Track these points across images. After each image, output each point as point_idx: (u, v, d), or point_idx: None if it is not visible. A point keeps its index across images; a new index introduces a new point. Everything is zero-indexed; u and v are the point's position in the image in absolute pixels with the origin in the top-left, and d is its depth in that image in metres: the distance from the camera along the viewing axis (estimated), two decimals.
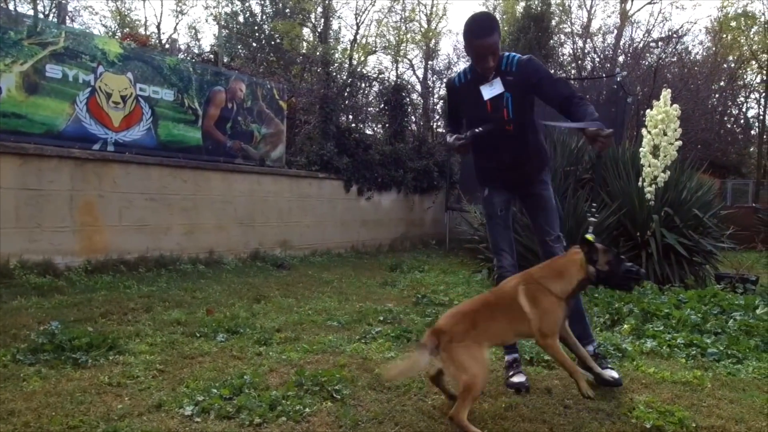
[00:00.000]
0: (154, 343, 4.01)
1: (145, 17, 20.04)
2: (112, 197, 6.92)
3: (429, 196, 12.72)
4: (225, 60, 13.82)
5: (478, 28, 3.24)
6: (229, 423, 2.63)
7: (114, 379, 3.23)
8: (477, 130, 3.26)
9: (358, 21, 20.62)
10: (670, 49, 20.42)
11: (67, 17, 17.18)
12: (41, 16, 13.65)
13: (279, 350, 3.87)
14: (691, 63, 20.15)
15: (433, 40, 23.95)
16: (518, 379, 3.26)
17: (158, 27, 20.70)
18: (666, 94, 7.01)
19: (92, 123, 7.09)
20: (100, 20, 19.39)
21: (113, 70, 7.35)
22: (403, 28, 22.61)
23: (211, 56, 12.19)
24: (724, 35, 22.18)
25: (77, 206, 6.62)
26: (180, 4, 19.80)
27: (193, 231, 7.71)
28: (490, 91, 3.31)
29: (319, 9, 19.41)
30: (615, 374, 3.26)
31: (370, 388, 3.12)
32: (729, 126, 22.54)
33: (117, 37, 13.67)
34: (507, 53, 3.37)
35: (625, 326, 4.62)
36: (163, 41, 17.85)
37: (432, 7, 22.25)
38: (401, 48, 22.69)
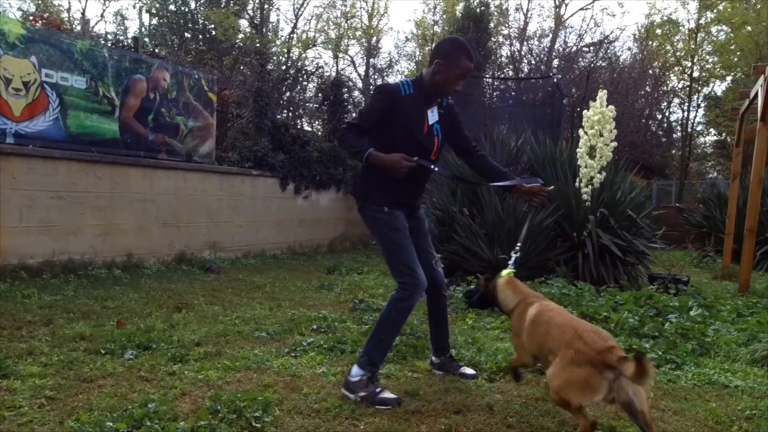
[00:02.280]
0: (48, 363, 3.60)
1: (69, 2, 18.92)
2: (11, 195, 6.34)
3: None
4: (151, 49, 13.19)
5: (472, 52, 3.26)
6: None
7: None
8: (431, 166, 3.32)
9: (297, 14, 20.26)
10: (600, 54, 21.22)
11: None
12: None
13: (196, 368, 3.53)
14: (620, 68, 20.94)
15: (375, 38, 23.93)
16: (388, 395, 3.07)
17: (83, 13, 19.66)
18: (602, 95, 7.04)
19: None
20: (18, 3, 18.14)
21: (14, 53, 6.74)
22: (344, 24, 22.45)
23: (130, 43, 11.50)
24: (651, 42, 23.06)
25: None
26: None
27: (109, 232, 7.19)
28: (432, 116, 3.31)
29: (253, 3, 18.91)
30: (470, 371, 3.60)
31: (296, 412, 2.85)
32: (653, 129, 23.52)
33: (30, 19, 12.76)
34: None
35: None
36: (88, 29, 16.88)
37: (373, 4, 22.14)
38: (342, 43, 22.47)
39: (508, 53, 21.68)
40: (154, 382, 3.32)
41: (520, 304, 3.03)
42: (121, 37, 15.07)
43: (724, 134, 22.75)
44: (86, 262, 6.81)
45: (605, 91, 7.15)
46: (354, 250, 11.52)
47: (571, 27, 21.98)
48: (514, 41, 21.94)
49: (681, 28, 23.10)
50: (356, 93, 18.29)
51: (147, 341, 4.03)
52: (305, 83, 13.95)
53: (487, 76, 17.32)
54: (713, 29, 22.63)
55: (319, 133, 12.88)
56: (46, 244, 6.59)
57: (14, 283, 5.90)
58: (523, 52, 21.59)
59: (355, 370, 3.07)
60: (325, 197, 11.37)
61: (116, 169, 7.36)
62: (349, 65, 23.52)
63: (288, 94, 12.76)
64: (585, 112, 7.06)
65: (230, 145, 10.02)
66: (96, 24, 19.21)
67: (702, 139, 25.50)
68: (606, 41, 21.72)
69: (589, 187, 6.84)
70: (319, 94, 13.33)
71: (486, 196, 7.34)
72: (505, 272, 3.25)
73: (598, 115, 6.85)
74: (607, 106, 6.92)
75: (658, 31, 23.35)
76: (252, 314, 5.13)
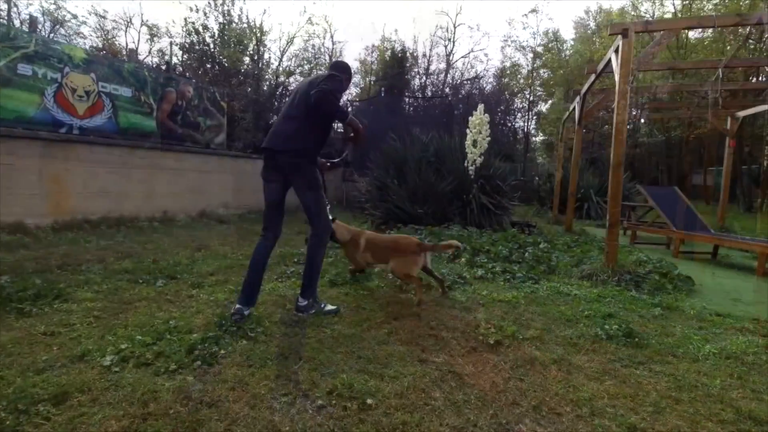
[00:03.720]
0: (99, 290, 3.04)
1: (126, 43, 16.88)
2: (78, 170, 5.48)
3: (332, 172, 11.88)
4: (180, 71, 11.96)
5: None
6: (146, 371, 1.86)
7: (50, 329, 2.31)
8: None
9: (282, 53, 18.94)
10: (475, 84, 21.15)
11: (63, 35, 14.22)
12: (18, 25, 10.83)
13: (209, 292, 3.06)
14: (486, 94, 21.00)
15: None
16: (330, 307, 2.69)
17: (135, 50, 17.56)
18: (481, 107, 6.78)
19: (59, 111, 5.59)
20: (89, 43, 16.05)
21: (78, 71, 5.82)
22: (314, 61, 21.20)
23: (163, 66, 10.33)
24: (504, 79, 23.13)
25: (46, 177, 5.16)
26: (153, 37, 16.83)
27: (150, 196, 6.40)
28: None
29: (253, 44, 17.47)
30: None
31: (282, 323, 2.46)
32: (506, 132, 23.75)
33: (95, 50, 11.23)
34: None
35: (462, 259, 4.27)
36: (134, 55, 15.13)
37: (332, 49, 20.90)
38: (312, 73, 21.22)
39: (418, 83, 21.17)
40: (177, 303, 2.83)
41: (353, 237, 3.20)
42: (160, 64, 13.64)
43: (547, 136, 23.23)
44: (133, 217, 6.04)
45: (483, 104, 6.86)
46: None
47: (456, 68, 21.69)
48: (422, 76, 21.46)
49: (521, 71, 23.27)
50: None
51: (173, 273, 3.50)
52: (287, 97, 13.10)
53: (407, 96, 16.99)
54: (541, 71, 22.82)
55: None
56: (104, 205, 5.77)
57: (79, 232, 5.12)
58: (426, 84, 21.18)
59: (301, 299, 2.64)
60: None
61: (154, 153, 6.52)
62: None
63: (277, 104, 11.83)
64: (470, 118, 6.77)
65: (237, 138, 9.19)
66: (145, 57, 17.21)
67: (533, 138, 25.92)
68: (477, 77, 21.66)
69: (473, 166, 6.61)
70: None
71: (408, 170, 7.03)
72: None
73: (479, 119, 6.58)
74: (483, 114, 6.67)
75: (508, 72, 23.41)
76: (251, 252, 4.62)
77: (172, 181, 6.76)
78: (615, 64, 3.79)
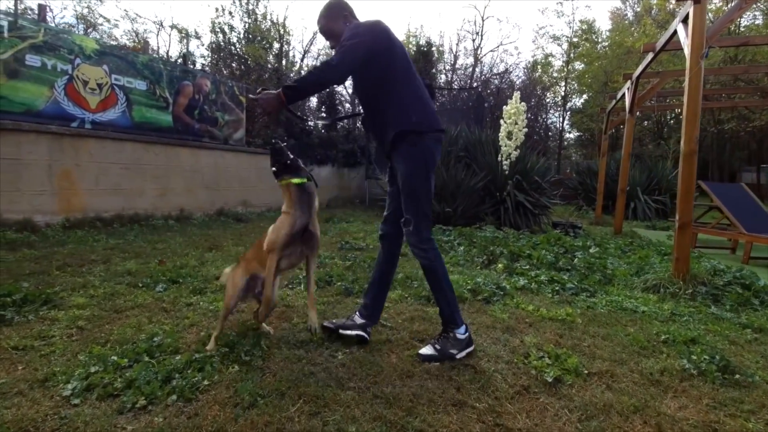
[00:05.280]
0: (95, 295, 2.74)
1: (158, 45, 17.08)
2: (88, 166, 5.29)
3: (354, 169, 11.52)
4: (199, 65, 11.91)
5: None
6: (109, 406, 1.48)
7: (23, 342, 2.00)
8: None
9: (305, 51, 18.73)
10: (504, 78, 20.28)
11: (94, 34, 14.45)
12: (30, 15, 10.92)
13: (210, 299, 2.70)
14: (517, 89, 20.11)
15: None
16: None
17: (138, 36, 17.71)
18: (517, 95, 6.22)
19: (70, 105, 5.38)
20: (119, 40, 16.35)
21: (90, 62, 5.61)
22: None
23: (181, 58, 10.19)
24: (536, 73, 22.12)
25: (56, 173, 4.98)
26: (183, 39, 16.97)
27: (165, 194, 6.18)
28: None
29: (276, 45, 17.32)
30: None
31: (284, 342, 2.04)
32: (537, 129, 22.76)
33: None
34: None
35: (499, 265, 3.76)
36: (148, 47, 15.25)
37: None
38: None
39: (444, 79, 20.48)
40: (172, 312, 2.47)
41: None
42: (176, 57, 13.65)
43: (582, 132, 22.13)
44: (148, 215, 5.82)
45: (519, 91, 6.29)
46: (344, 207, 10.59)
47: (483, 62, 20.94)
48: (448, 72, 20.79)
49: (553, 63, 22.31)
50: (346, 104, 17.22)
51: (177, 276, 3.16)
52: None
53: (434, 89, 16.52)
54: (576, 64, 21.71)
55: (320, 127, 11.79)
56: (117, 202, 5.57)
57: (90, 231, 4.92)
58: (453, 79, 20.49)
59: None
60: (324, 170, 10.37)
61: (170, 149, 6.30)
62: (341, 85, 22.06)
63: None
64: (505, 107, 6.20)
65: (257, 133, 8.93)
66: (176, 59, 17.36)
67: (567, 135, 24.81)
68: (507, 72, 20.82)
69: (508, 160, 6.06)
70: (319, 101, 12.25)
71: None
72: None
73: (514, 108, 6.03)
74: (519, 103, 6.10)
75: (539, 66, 22.43)
76: None
77: (188, 178, 6.52)
78: (684, 37, 3.20)
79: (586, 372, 1.81)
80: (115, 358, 1.80)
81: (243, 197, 7.62)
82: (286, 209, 1.90)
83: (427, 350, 1.91)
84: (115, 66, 5.90)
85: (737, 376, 1.83)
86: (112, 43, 11.74)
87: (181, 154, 6.44)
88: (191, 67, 8.00)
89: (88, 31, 15.08)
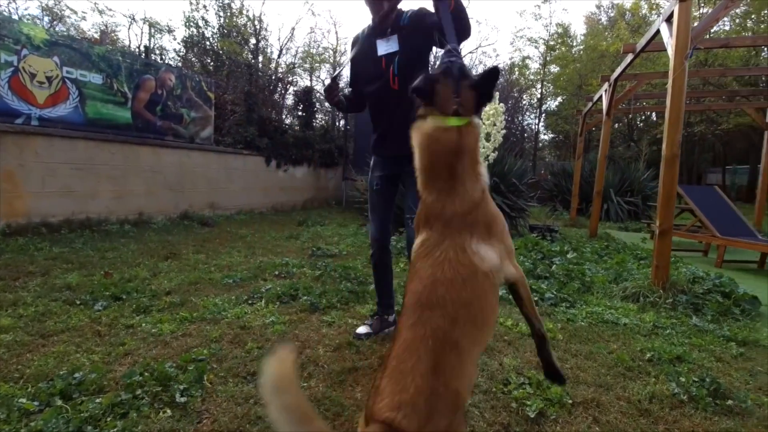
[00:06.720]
0: (24, 315, 2.42)
1: (129, 40, 16.24)
2: (35, 166, 4.84)
3: (331, 170, 11.23)
4: (174, 59, 11.35)
5: None
6: None
7: None
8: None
9: (281, 48, 18.20)
10: None
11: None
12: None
13: (154, 320, 2.39)
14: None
15: (338, 66, 22.00)
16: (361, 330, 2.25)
17: (139, 46, 16.94)
18: (495, 95, 6.06)
19: (14, 99, 4.92)
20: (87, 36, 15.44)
21: (39, 54, 5.15)
22: (317, 58, 20.38)
23: (143, 51, 9.63)
24: (513, 75, 22.33)
25: None
26: (154, 32, 16.15)
27: (122, 196, 5.75)
28: (386, 47, 1.93)
29: (252, 40, 16.75)
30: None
31: (233, 375, 1.78)
32: (513, 129, 22.98)
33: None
34: (409, 9, 1.95)
35: None
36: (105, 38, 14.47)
37: (336, 47, 20.10)
38: (314, 68, 20.52)
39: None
40: (107, 337, 2.17)
41: None
42: (138, 48, 13.00)
43: (556, 134, 22.44)
44: (102, 219, 5.38)
45: (497, 92, 6.15)
46: (321, 208, 10.32)
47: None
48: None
49: (530, 66, 22.54)
50: (325, 103, 16.94)
51: (122, 291, 2.83)
52: (283, 91, 12.44)
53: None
54: (551, 67, 22.00)
55: (296, 126, 11.45)
56: (66, 206, 5.13)
57: (33, 238, 4.49)
58: None
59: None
60: (300, 171, 10.03)
61: (128, 147, 5.87)
62: (319, 83, 21.62)
63: (272, 96, 11.20)
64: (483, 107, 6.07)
65: (227, 132, 8.53)
66: (101, 31, 16.32)
67: (542, 136, 25.11)
68: None
69: (486, 162, 5.92)
70: (295, 98, 11.91)
71: None
72: None
73: (493, 109, 5.87)
74: (498, 104, 5.96)
75: (517, 68, 22.68)
76: (228, 261, 3.96)
77: (148, 178, 6.11)
78: (667, 36, 3.09)
79: (570, 402, 1.62)
80: (24, 400, 1.51)
81: (211, 199, 7.24)
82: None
83: None
84: (68, 58, 5.45)
85: (729, 401, 1.68)
86: (64, 32, 11.06)
87: (141, 153, 6.02)
88: (154, 60, 7.52)
89: (54, 23, 14.27)
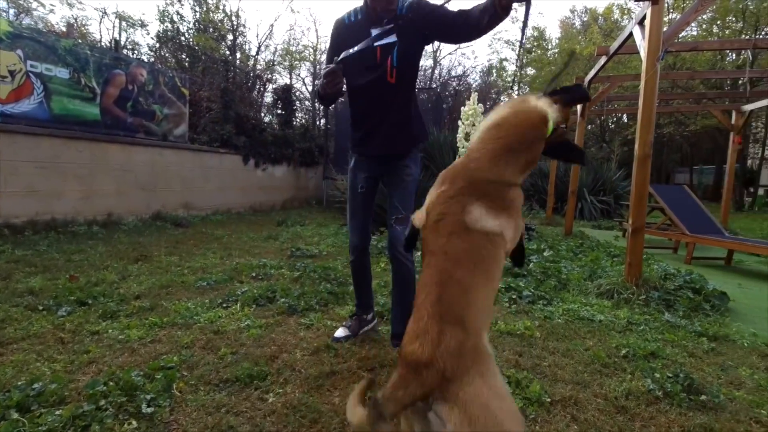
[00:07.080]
0: None
1: (101, 35, 15.56)
2: None
3: (312, 168, 11.10)
4: (146, 54, 10.99)
5: None
6: None
7: None
8: (350, 51, 1.66)
9: (260, 44, 17.92)
10: (462, 82, 20.63)
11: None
12: None
13: (122, 326, 2.28)
14: (472, 90, 20.55)
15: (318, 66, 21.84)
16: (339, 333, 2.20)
17: (110, 41, 16.28)
18: (474, 96, 6.07)
19: None
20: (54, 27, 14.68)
21: (1, 46, 4.89)
22: (296, 56, 20.11)
23: (112, 46, 9.27)
24: (491, 77, 22.77)
25: None
26: (127, 26, 15.53)
27: (90, 196, 5.51)
28: (383, 37, 1.78)
29: (230, 36, 16.39)
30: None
31: (204, 382, 1.70)
32: None
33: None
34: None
35: None
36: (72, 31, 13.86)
37: (316, 45, 19.88)
38: (294, 66, 20.25)
39: None
40: (70, 345, 2.05)
41: None
42: (109, 42, 12.53)
43: None
44: (68, 220, 5.14)
45: (476, 92, 6.18)
46: (301, 208, 10.18)
47: (442, 65, 21.12)
48: None
49: (507, 68, 23.00)
50: (306, 102, 16.69)
51: (87, 296, 2.69)
52: (262, 89, 12.22)
53: None
54: (528, 69, 22.45)
55: (274, 123, 11.26)
56: (30, 206, 4.88)
57: None
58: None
59: None
60: (279, 170, 9.86)
61: (96, 145, 5.63)
62: (299, 81, 21.34)
63: (251, 94, 10.98)
64: (463, 108, 6.07)
65: (202, 130, 8.30)
66: (67, 22, 15.61)
67: None
68: (464, 74, 21.19)
69: None
70: (275, 96, 11.71)
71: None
72: None
73: (472, 110, 5.90)
74: (477, 104, 6.00)
75: (494, 70, 23.10)
76: (203, 264, 3.82)
77: (118, 177, 5.88)
78: (640, 39, 3.15)
79: (549, 401, 1.62)
80: None
81: (185, 199, 7.03)
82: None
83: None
84: (32, 51, 5.18)
85: (703, 397, 1.71)
86: (31, 25, 10.58)
87: (110, 151, 5.79)
88: (125, 54, 7.26)
89: (20, 16, 13.62)
